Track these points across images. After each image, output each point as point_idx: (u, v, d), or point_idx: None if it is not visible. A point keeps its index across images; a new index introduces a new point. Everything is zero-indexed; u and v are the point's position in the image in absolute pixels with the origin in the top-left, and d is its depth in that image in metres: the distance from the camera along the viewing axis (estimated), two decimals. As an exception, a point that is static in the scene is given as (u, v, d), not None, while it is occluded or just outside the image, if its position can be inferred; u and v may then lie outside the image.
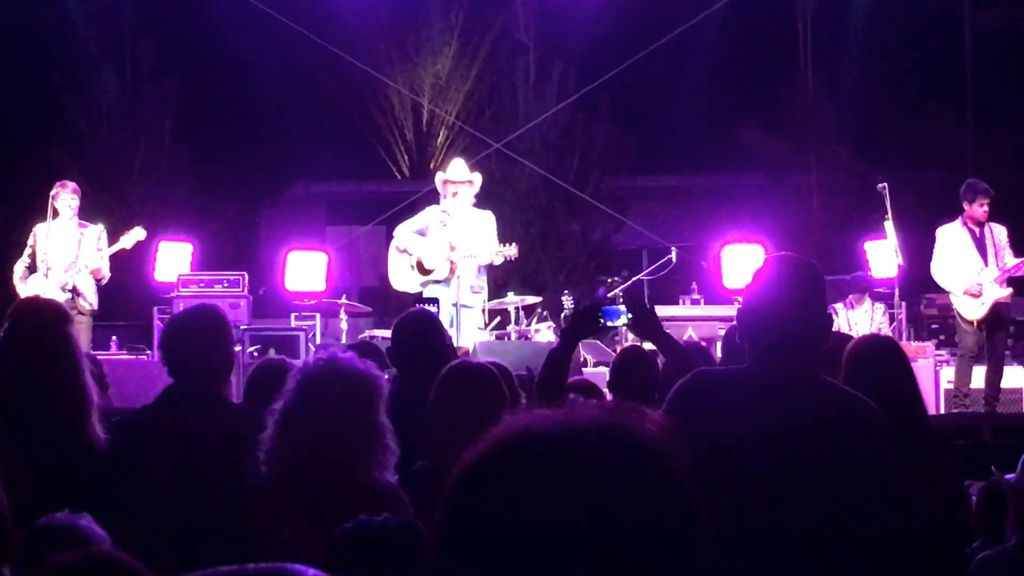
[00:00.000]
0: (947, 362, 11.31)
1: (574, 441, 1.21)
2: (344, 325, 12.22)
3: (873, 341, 4.82)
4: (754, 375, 3.23)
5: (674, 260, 12.40)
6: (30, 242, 10.62)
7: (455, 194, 10.40)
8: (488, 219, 10.54)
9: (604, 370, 9.94)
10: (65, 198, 10.61)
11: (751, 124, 18.60)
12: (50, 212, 10.47)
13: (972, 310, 10.13)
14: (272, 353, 9.70)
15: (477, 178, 10.63)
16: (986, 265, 10.09)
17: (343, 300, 12.52)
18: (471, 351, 9.37)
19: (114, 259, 10.79)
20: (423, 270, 10.47)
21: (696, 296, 12.77)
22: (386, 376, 3.75)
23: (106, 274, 10.67)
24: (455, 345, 8.41)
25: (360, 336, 12.44)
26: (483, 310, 10.96)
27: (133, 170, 17.88)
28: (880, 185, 10.52)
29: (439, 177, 10.71)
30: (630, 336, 10.36)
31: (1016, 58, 18.21)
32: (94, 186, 15.44)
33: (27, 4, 17.16)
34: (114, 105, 17.95)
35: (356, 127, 20.01)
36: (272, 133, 19.14)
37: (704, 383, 3.29)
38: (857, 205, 16.52)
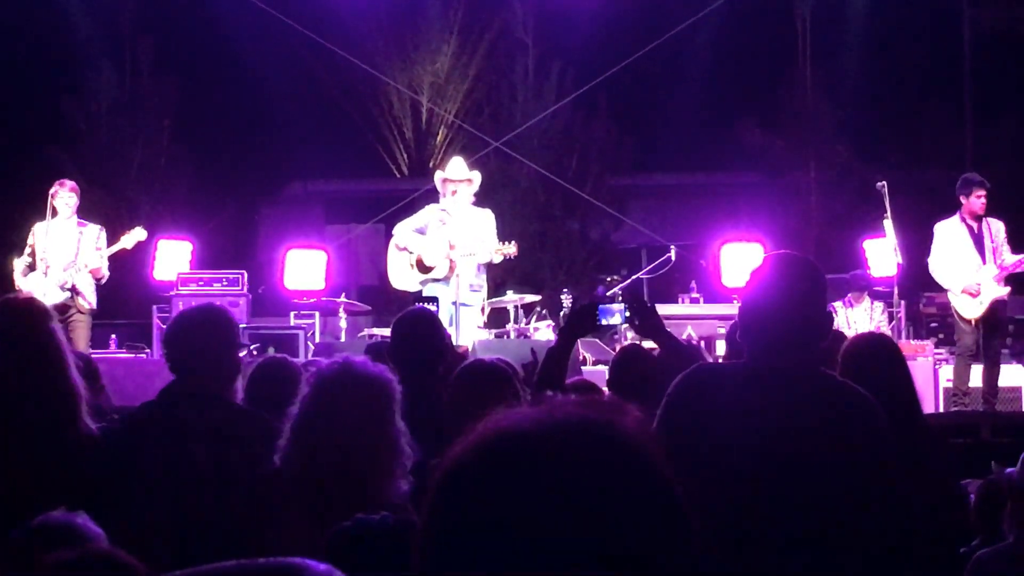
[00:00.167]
0: (946, 360, 11.31)
1: (553, 438, 1.21)
2: (343, 324, 12.22)
3: (869, 339, 4.82)
4: (753, 370, 3.24)
5: (673, 258, 12.40)
6: (30, 240, 10.62)
7: (454, 193, 10.39)
8: (487, 217, 10.54)
9: (603, 368, 9.94)
10: (64, 196, 10.60)
11: (750, 123, 18.60)
12: (49, 211, 10.47)
13: (970, 309, 10.13)
14: (271, 352, 9.70)
15: (476, 176, 10.63)
16: (984, 262, 10.09)
17: (342, 299, 12.51)
18: (470, 349, 9.36)
19: (113, 258, 10.79)
20: (422, 268, 10.47)
21: (695, 295, 12.77)
22: None
23: (105, 273, 10.67)
24: (454, 343, 8.43)
25: (359, 334, 12.45)
26: (482, 308, 10.95)
27: (132, 168, 17.87)
28: (879, 184, 10.52)
29: (438, 176, 10.71)
30: (629, 334, 10.37)
31: (1015, 57, 18.21)
32: (93, 184, 15.42)
33: (26, 2, 17.16)
34: (113, 103, 17.94)
35: (355, 125, 20.01)
36: (271, 131, 19.13)
37: (704, 377, 3.30)
38: (856, 204, 16.53)
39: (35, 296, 4.08)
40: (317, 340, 11.98)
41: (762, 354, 3.22)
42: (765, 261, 3.40)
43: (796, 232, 17.46)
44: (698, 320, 11.79)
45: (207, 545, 3.63)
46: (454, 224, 10.35)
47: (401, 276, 10.67)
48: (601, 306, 4.55)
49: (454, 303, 10.12)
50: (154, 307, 12.44)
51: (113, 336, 12.78)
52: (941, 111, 18.38)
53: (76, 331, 10.42)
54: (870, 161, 17.00)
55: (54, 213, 10.52)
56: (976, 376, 10.27)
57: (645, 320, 4.42)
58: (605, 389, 5.84)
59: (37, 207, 10.74)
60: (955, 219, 10.23)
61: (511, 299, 11.99)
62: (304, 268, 13.13)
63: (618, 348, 8.55)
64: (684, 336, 10.43)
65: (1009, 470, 4.31)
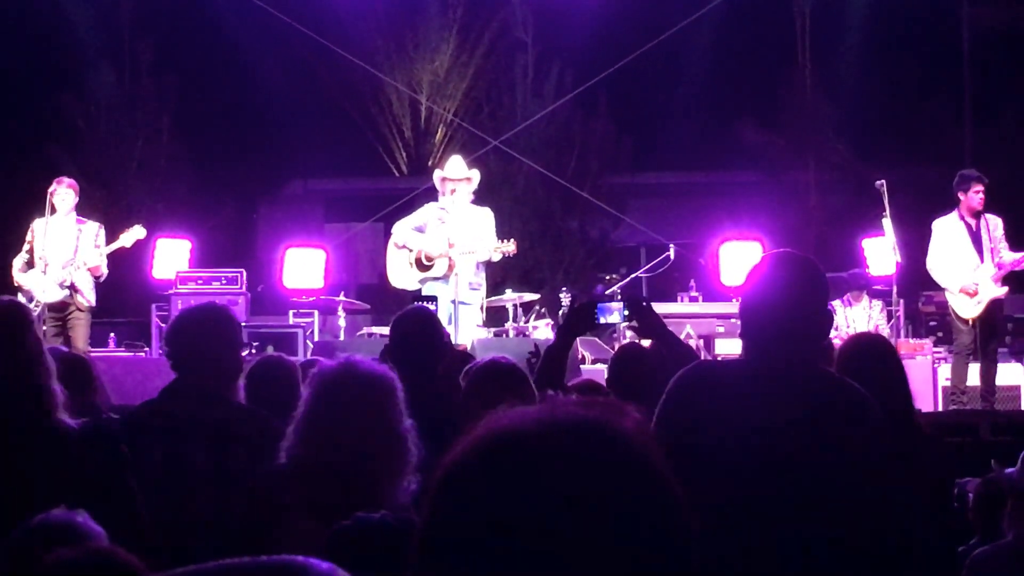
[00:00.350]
0: (945, 359, 11.32)
1: (552, 438, 1.21)
2: (342, 322, 12.23)
3: (864, 340, 4.83)
4: (752, 367, 3.24)
5: (672, 257, 12.41)
6: (28, 237, 10.61)
7: (453, 191, 10.40)
8: (486, 216, 10.54)
9: (602, 367, 9.94)
10: (62, 194, 10.59)
11: (749, 121, 18.60)
12: (48, 208, 10.46)
13: (967, 308, 10.13)
14: (270, 350, 9.70)
15: (475, 175, 10.63)
16: (982, 260, 10.09)
17: (341, 297, 12.53)
18: (469, 348, 9.36)
19: (112, 256, 10.79)
20: (422, 267, 10.47)
21: (694, 293, 12.78)
22: None
23: (104, 271, 10.67)
24: (453, 342, 8.42)
25: (358, 333, 12.46)
26: (481, 307, 10.96)
27: (131, 167, 17.87)
28: (878, 182, 10.52)
29: (437, 174, 10.71)
30: (628, 333, 10.37)
31: (1014, 55, 18.21)
32: (92, 183, 15.43)
33: (25, 2, 17.16)
34: (112, 102, 17.94)
35: (354, 124, 20.00)
36: (270, 130, 19.12)
37: (702, 375, 3.30)
38: (855, 202, 16.53)
39: (15, 299, 4.07)
40: (316, 339, 11.98)
41: (761, 352, 3.23)
42: (764, 260, 3.41)
43: (795, 231, 17.45)
44: (697, 319, 11.80)
45: (209, 543, 3.64)
46: (453, 222, 10.35)
47: (400, 274, 10.68)
48: (600, 304, 4.55)
49: (453, 301, 10.12)
50: (153, 306, 12.45)
51: (112, 334, 12.79)
52: (940, 110, 18.38)
53: (75, 329, 10.42)
54: (869, 160, 16.99)
55: (53, 210, 10.52)
56: (974, 375, 10.28)
57: (644, 319, 4.43)
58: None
59: (36, 205, 10.73)
60: (953, 216, 10.23)
61: (510, 297, 12.00)
62: (303, 267, 13.14)
63: (617, 347, 8.56)
64: (683, 335, 10.44)
65: (1009, 470, 4.31)
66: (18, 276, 10.51)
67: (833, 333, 10.34)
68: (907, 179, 15.37)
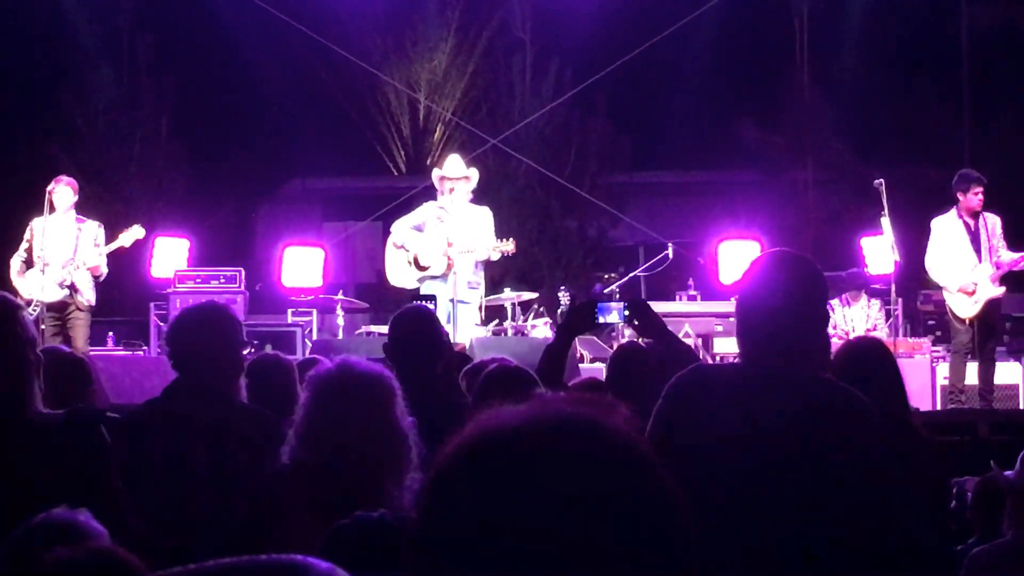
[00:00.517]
0: (943, 358, 11.32)
1: (542, 436, 1.20)
2: (341, 321, 12.22)
3: (860, 344, 4.82)
4: (748, 370, 3.23)
5: (671, 256, 12.40)
6: (27, 236, 10.59)
7: (452, 190, 10.39)
8: (485, 215, 10.54)
9: (601, 366, 9.95)
10: (61, 192, 10.56)
11: (748, 120, 18.62)
12: (47, 207, 10.44)
13: (965, 308, 10.13)
14: (268, 349, 9.70)
15: (474, 174, 10.62)
16: (980, 260, 10.09)
17: (340, 296, 12.53)
18: (468, 347, 9.37)
19: (111, 255, 10.78)
20: (420, 266, 10.47)
21: (693, 292, 12.77)
22: None
23: (104, 270, 10.66)
24: (452, 341, 8.42)
25: (356, 332, 12.46)
26: (480, 306, 10.96)
27: (130, 166, 17.88)
28: (877, 181, 10.52)
29: (436, 174, 10.71)
30: (627, 332, 10.37)
31: (1012, 54, 18.22)
32: (91, 182, 15.43)
33: (25, 1, 17.15)
34: (111, 101, 17.95)
35: (353, 123, 20.01)
36: (269, 129, 19.13)
37: (699, 378, 3.29)
38: (853, 201, 16.54)
39: (8, 295, 4.06)
40: (314, 337, 11.98)
41: (758, 355, 3.21)
42: (761, 259, 3.39)
43: (794, 230, 17.46)
44: (695, 318, 11.81)
45: (210, 542, 3.64)
46: (452, 221, 10.35)
47: (399, 273, 10.68)
48: (601, 304, 4.56)
49: (452, 300, 10.12)
50: (151, 304, 12.44)
51: (111, 333, 12.78)
52: (939, 109, 18.39)
53: (75, 328, 10.41)
54: (867, 159, 17.00)
55: (51, 210, 10.50)
56: (972, 374, 10.28)
57: (644, 319, 4.43)
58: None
59: (35, 204, 10.72)
60: (952, 215, 10.23)
61: (509, 296, 12.00)
62: (301, 265, 13.13)
63: (615, 346, 8.56)
64: (681, 334, 10.44)
65: (1008, 472, 4.32)
66: (16, 280, 10.48)
67: (831, 332, 10.37)
68: (906, 178, 15.37)
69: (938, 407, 10.56)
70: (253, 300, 12.76)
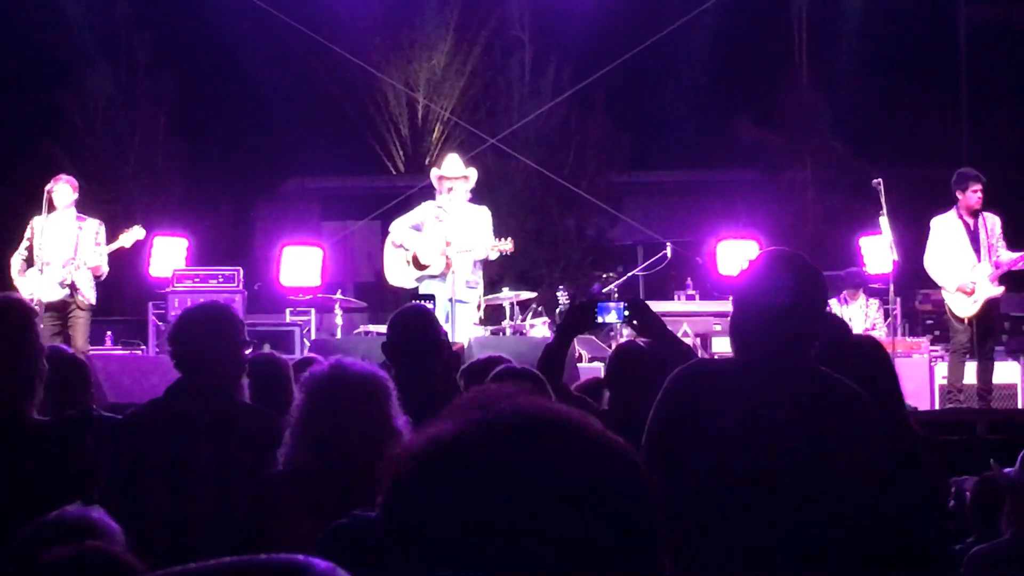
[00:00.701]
0: (941, 358, 11.33)
1: (515, 433, 1.20)
2: (339, 320, 12.23)
3: (855, 340, 4.81)
4: (747, 366, 3.23)
5: (669, 256, 12.40)
6: (27, 234, 10.56)
7: (450, 190, 10.39)
8: (484, 214, 10.53)
9: (599, 365, 9.95)
10: (60, 190, 10.55)
11: (746, 120, 18.61)
12: (45, 206, 10.42)
13: (964, 307, 10.13)
14: (267, 348, 9.70)
15: (472, 173, 10.62)
16: (979, 260, 10.09)
17: (338, 295, 12.53)
18: (466, 346, 9.36)
19: (109, 254, 10.77)
20: (419, 265, 10.46)
21: (691, 291, 12.78)
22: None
23: (105, 269, 10.65)
24: (451, 340, 8.42)
25: (355, 331, 12.46)
26: (478, 305, 10.95)
27: (128, 165, 17.87)
28: (875, 180, 10.51)
29: (434, 173, 10.71)
30: (625, 331, 10.37)
31: (1010, 53, 18.23)
32: (89, 181, 15.39)
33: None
34: (109, 100, 17.94)
35: (351, 122, 20.00)
36: (267, 128, 19.12)
37: (698, 374, 3.29)
38: (852, 201, 16.53)
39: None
40: (313, 337, 11.98)
41: (755, 350, 3.22)
42: (762, 257, 3.39)
43: (792, 229, 17.46)
44: (694, 317, 11.81)
45: (212, 541, 3.64)
46: (450, 221, 10.34)
47: (397, 273, 10.67)
48: (601, 304, 4.56)
49: (450, 300, 10.11)
50: (150, 303, 12.43)
51: (109, 332, 12.77)
52: (937, 108, 18.39)
53: (76, 328, 10.39)
54: (866, 158, 17.00)
55: (50, 208, 10.48)
56: (971, 373, 10.28)
57: (644, 319, 4.43)
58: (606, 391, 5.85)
59: (33, 203, 10.70)
60: (951, 214, 10.22)
61: (507, 296, 12.00)
62: (300, 265, 13.13)
63: (614, 345, 8.55)
64: (680, 333, 10.44)
65: (1007, 470, 4.31)
66: (16, 279, 10.47)
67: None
68: (904, 177, 15.38)
69: (936, 407, 10.56)
70: (251, 299, 12.75)
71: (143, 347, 12.27)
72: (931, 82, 18.45)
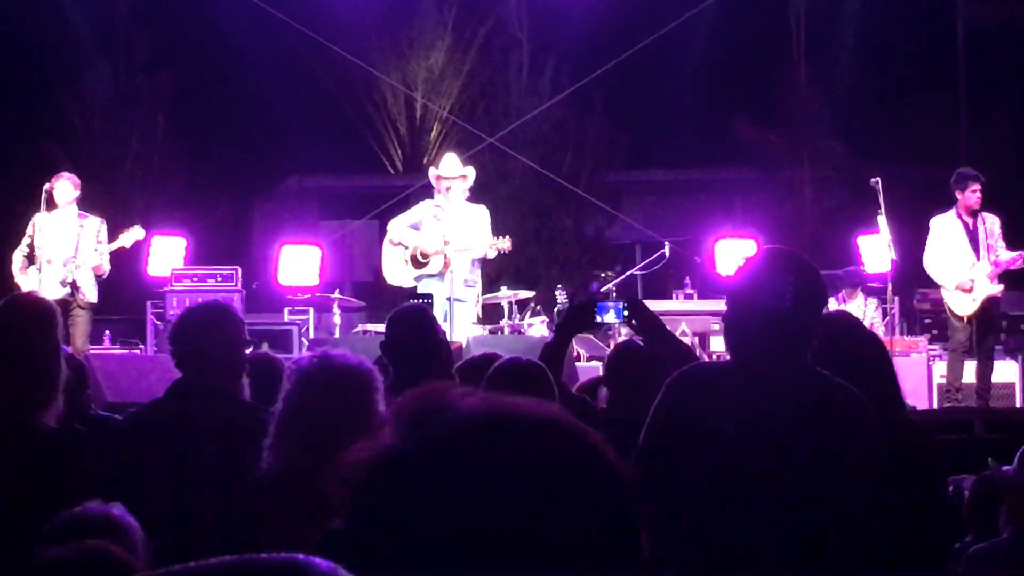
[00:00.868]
0: (940, 357, 11.32)
1: (491, 427, 1.20)
2: (337, 319, 12.22)
3: (856, 338, 4.78)
4: (744, 368, 3.21)
5: (667, 254, 12.40)
6: (29, 231, 10.55)
7: (448, 189, 10.38)
8: (482, 213, 10.52)
9: (597, 365, 9.94)
10: (61, 187, 10.53)
11: (744, 119, 18.63)
12: (43, 205, 10.40)
13: (963, 306, 10.13)
14: (265, 348, 9.70)
15: (470, 172, 10.61)
16: (978, 259, 10.09)
17: (336, 294, 12.52)
18: (464, 345, 9.36)
19: (109, 254, 10.76)
20: (417, 264, 10.46)
21: (689, 290, 12.78)
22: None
23: (107, 268, 10.64)
24: (449, 339, 8.42)
25: (353, 330, 12.45)
26: (476, 304, 10.95)
27: (126, 164, 17.88)
28: (873, 180, 10.51)
29: (432, 172, 10.70)
30: (623, 331, 10.37)
31: (1009, 52, 18.24)
32: (87, 180, 15.32)
33: (21, -1, 17.16)
34: (107, 99, 17.94)
35: (349, 121, 20.01)
36: (265, 127, 19.12)
37: (696, 377, 3.28)
38: (850, 199, 16.56)
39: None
40: (311, 336, 11.97)
41: (755, 352, 3.20)
42: (761, 257, 3.38)
43: (790, 228, 17.48)
44: (692, 316, 11.80)
45: (213, 541, 3.64)
46: (448, 220, 10.34)
47: (395, 272, 10.67)
48: (601, 303, 4.56)
49: (448, 299, 10.11)
50: (148, 303, 12.42)
51: (107, 332, 12.76)
52: (935, 107, 18.41)
53: (76, 327, 10.38)
54: (864, 157, 17.02)
55: (49, 206, 10.46)
56: (969, 372, 10.28)
57: (643, 318, 4.43)
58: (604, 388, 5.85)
59: (31, 202, 10.69)
60: (951, 214, 10.22)
61: (505, 295, 11.99)
62: (298, 264, 13.12)
63: (612, 344, 8.55)
64: (678, 332, 10.44)
65: (1006, 468, 4.31)
66: (18, 276, 10.46)
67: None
68: (902, 176, 15.39)
69: (934, 406, 10.56)
70: (249, 298, 12.74)
71: (141, 346, 12.26)
72: (929, 81, 18.47)
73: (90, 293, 10.49)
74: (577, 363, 10.69)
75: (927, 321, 12.97)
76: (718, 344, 11.41)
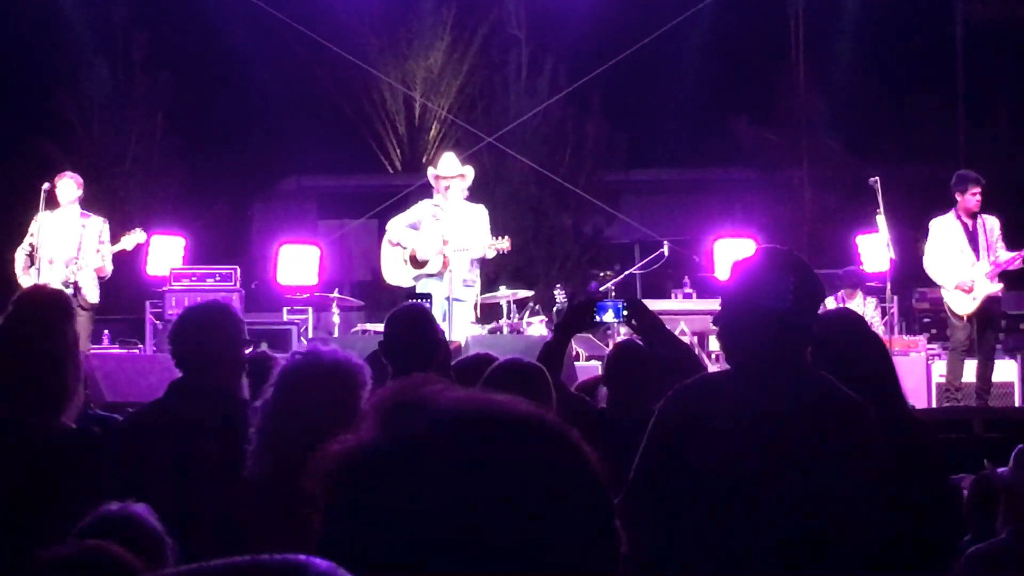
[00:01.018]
0: (939, 356, 11.33)
1: (467, 424, 1.20)
2: (336, 319, 12.22)
3: (856, 336, 4.77)
4: (741, 375, 3.20)
5: (666, 254, 12.39)
6: (31, 230, 10.54)
7: (447, 188, 10.38)
8: (481, 213, 10.52)
9: (597, 364, 9.94)
10: (63, 185, 10.52)
11: (743, 118, 18.64)
12: (42, 205, 10.39)
13: (963, 305, 10.14)
14: (264, 347, 9.70)
15: (469, 172, 10.60)
16: (978, 259, 10.10)
17: (335, 294, 12.51)
18: (463, 345, 9.36)
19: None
20: (416, 264, 10.46)
21: (688, 290, 12.78)
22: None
23: (109, 269, 10.63)
24: (447, 339, 8.41)
25: (352, 330, 12.45)
26: (475, 304, 10.95)
27: (125, 164, 17.87)
28: (872, 179, 10.51)
29: (430, 172, 10.69)
30: (623, 330, 10.37)
31: (1008, 51, 18.24)
32: (86, 180, 15.35)
33: (19, -2, 17.16)
34: (106, 99, 17.94)
35: (349, 121, 20.01)
36: (264, 127, 19.13)
37: (695, 391, 3.25)
38: (849, 199, 16.55)
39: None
40: (310, 336, 11.97)
41: (754, 354, 3.17)
42: (758, 257, 3.35)
43: (789, 227, 17.49)
44: (691, 315, 11.80)
45: (214, 540, 3.64)
46: (447, 220, 10.33)
47: (394, 272, 10.66)
48: (600, 303, 4.57)
49: (447, 298, 10.10)
50: (147, 303, 12.41)
51: (106, 331, 12.76)
52: (934, 106, 18.41)
53: (77, 327, 10.36)
54: (863, 156, 17.03)
55: (48, 206, 10.45)
56: (969, 372, 10.29)
57: (642, 318, 4.43)
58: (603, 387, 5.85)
59: (30, 202, 10.68)
60: (950, 216, 10.23)
61: (504, 295, 11.99)
62: (297, 263, 13.12)
63: (612, 344, 8.55)
64: (677, 331, 10.44)
65: (1001, 469, 4.31)
66: (20, 275, 10.44)
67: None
68: (901, 175, 15.40)
69: (934, 405, 10.56)
70: (248, 298, 12.74)
71: (140, 346, 12.25)
72: (928, 80, 18.46)
73: (91, 294, 10.48)
74: (576, 362, 10.68)
75: (926, 320, 12.98)
76: (716, 344, 11.40)
